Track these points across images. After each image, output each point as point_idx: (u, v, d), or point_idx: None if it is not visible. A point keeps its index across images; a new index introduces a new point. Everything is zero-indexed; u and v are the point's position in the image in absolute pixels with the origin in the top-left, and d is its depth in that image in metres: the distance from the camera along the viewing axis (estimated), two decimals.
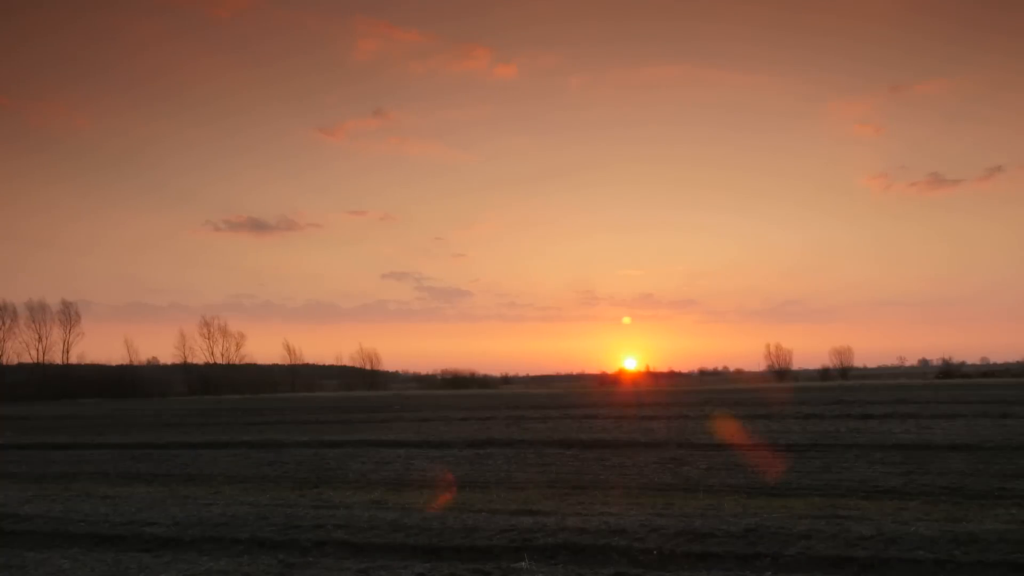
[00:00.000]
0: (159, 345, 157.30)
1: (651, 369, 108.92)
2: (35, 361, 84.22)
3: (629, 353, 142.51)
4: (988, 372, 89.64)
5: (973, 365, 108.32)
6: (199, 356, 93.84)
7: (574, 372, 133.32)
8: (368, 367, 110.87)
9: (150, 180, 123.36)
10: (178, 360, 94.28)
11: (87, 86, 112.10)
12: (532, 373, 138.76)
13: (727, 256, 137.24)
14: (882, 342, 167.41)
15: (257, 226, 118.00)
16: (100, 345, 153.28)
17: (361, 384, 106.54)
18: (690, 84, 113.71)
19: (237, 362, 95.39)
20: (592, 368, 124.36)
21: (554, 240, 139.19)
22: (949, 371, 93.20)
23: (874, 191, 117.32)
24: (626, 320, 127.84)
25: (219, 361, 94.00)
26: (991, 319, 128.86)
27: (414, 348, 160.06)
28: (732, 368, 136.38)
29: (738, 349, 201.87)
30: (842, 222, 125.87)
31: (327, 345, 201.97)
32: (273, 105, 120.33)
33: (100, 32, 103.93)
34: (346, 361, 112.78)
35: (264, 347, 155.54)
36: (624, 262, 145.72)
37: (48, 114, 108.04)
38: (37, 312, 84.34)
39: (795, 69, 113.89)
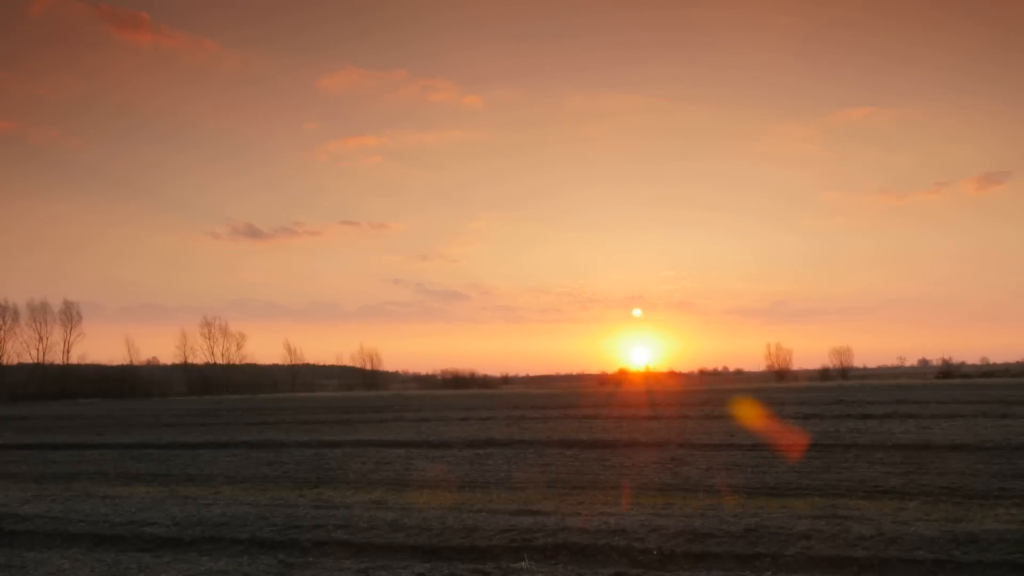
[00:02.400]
0: (160, 346, 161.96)
1: (650, 370, 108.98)
2: (35, 361, 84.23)
3: (630, 353, 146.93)
4: (988, 372, 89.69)
5: (973, 365, 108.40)
6: (200, 356, 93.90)
7: (574, 372, 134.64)
8: (368, 367, 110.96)
9: (150, 196, 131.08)
10: (179, 360, 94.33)
11: (88, 115, 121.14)
12: (531, 374, 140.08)
13: (718, 261, 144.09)
14: (882, 342, 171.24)
15: (255, 234, 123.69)
16: (101, 346, 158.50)
17: (361, 384, 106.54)
18: (644, 111, 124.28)
19: (237, 362, 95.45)
20: (592, 368, 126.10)
21: (541, 248, 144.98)
22: (949, 371, 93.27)
23: (833, 202, 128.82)
24: (636, 312, 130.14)
25: (219, 361, 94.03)
26: (969, 320, 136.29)
27: (414, 349, 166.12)
28: (732, 368, 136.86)
29: (738, 349, 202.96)
30: (813, 230, 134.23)
31: (328, 346, 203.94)
32: (257, 129, 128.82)
33: (93, 69, 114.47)
34: (346, 361, 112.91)
35: (265, 348, 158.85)
36: (615, 267, 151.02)
37: (52, 138, 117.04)
38: (38, 312, 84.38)
39: (736, 101, 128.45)
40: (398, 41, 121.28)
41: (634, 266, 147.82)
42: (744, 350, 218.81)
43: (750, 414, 25.52)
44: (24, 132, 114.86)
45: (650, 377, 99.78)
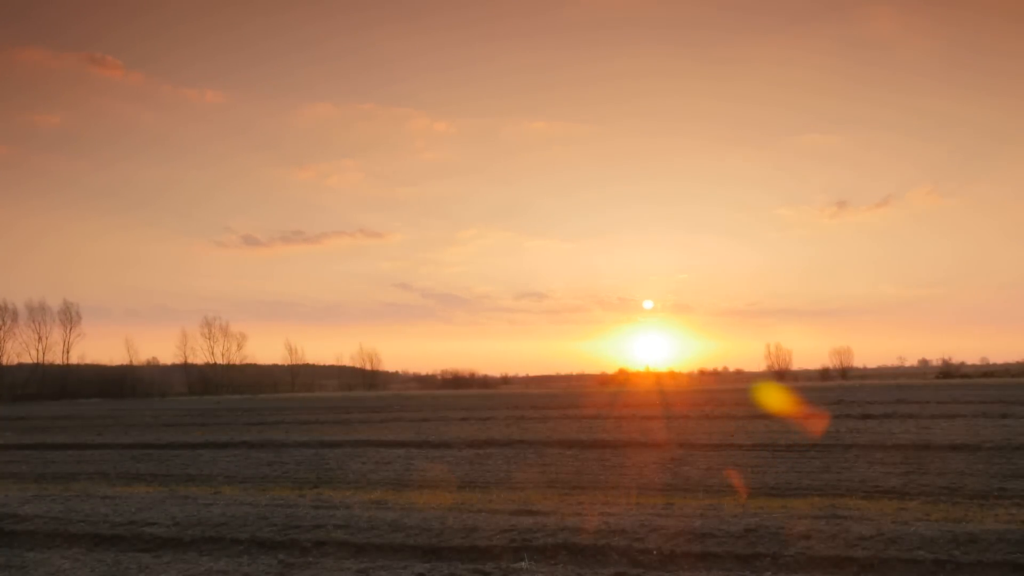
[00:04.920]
0: (160, 346, 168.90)
1: (650, 370, 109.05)
2: (35, 361, 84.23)
3: (630, 354, 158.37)
4: (988, 372, 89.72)
5: (973, 365, 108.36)
6: (200, 356, 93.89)
7: (573, 373, 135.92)
8: (368, 367, 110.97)
9: (156, 210, 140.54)
10: (179, 361, 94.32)
11: (91, 141, 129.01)
12: (531, 374, 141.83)
13: (700, 266, 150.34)
14: (882, 342, 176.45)
15: (255, 243, 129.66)
16: (101, 346, 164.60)
17: (361, 384, 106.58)
18: (607, 137, 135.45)
19: (237, 362, 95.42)
20: (591, 369, 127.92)
21: (533, 255, 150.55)
22: (949, 371, 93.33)
23: (801, 214, 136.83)
24: (648, 304, 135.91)
25: (219, 361, 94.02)
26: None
27: (413, 351, 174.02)
28: (732, 368, 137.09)
29: (738, 349, 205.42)
30: (780, 239, 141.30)
31: (328, 347, 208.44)
32: (243, 152, 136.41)
33: (83, 103, 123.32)
34: (346, 361, 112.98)
35: (266, 349, 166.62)
36: (608, 273, 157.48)
37: (57, 161, 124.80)
38: (37, 313, 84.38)
39: (692, 131, 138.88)
40: (366, 76, 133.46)
41: (624, 271, 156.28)
42: (744, 350, 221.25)
43: (750, 414, 25.53)
44: (25, 156, 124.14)
45: (649, 377, 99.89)
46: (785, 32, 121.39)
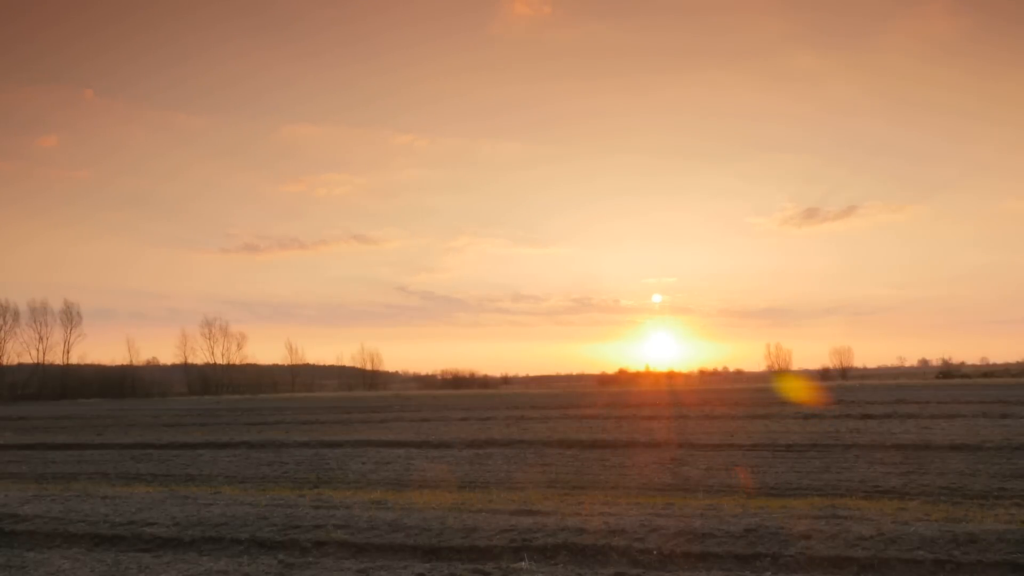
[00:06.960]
0: (161, 346, 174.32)
1: (650, 369, 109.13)
2: (35, 361, 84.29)
3: (631, 354, 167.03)
4: (988, 372, 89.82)
5: (973, 365, 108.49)
6: (200, 357, 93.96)
7: (573, 373, 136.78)
8: (368, 367, 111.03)
9: (158, 219, 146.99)
10: (179, 361, 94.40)
11: (89, 157, 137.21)
12: (531, 374, 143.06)
13: (690, 270, 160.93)
14: (882, 342, 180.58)
15: (254, 249, 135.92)
16: (102, 346, 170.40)
17: (361, 384, 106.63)
18: (573, 158, 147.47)
19: (237, 363, 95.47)
20: (591, 369, 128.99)
21: (529, 260, 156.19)
22: (949, 371, 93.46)
23: (771, 222, 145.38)
24: (656, 298, 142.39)
25: (219, 362, 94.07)
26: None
27: (414, 350, 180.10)
28: (732, 369, 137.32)
29: (738, 350, 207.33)
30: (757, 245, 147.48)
31: (328, 347, 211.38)
32: (239, 169, 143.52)
33: (86, 127, 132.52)
34: (347, 362, 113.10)
35: (266, 349, 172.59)
36: (604, 276, 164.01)
37: (58, 174, 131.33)
38: (39, 313, 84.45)
39: (672, 149, 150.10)
40: (346, 99, 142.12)
41: (614, 276, 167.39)
42: (744, 350, 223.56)
43: (749, 414, 25.53)
44: (28, 169, 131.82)
45: (649, 378, 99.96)
46: (723, 67, 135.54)
